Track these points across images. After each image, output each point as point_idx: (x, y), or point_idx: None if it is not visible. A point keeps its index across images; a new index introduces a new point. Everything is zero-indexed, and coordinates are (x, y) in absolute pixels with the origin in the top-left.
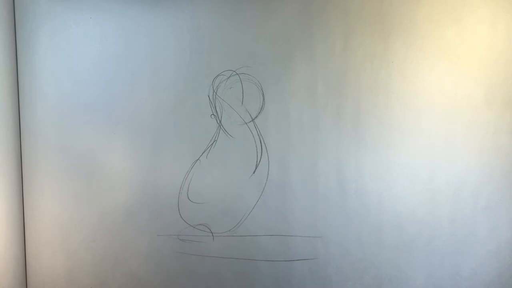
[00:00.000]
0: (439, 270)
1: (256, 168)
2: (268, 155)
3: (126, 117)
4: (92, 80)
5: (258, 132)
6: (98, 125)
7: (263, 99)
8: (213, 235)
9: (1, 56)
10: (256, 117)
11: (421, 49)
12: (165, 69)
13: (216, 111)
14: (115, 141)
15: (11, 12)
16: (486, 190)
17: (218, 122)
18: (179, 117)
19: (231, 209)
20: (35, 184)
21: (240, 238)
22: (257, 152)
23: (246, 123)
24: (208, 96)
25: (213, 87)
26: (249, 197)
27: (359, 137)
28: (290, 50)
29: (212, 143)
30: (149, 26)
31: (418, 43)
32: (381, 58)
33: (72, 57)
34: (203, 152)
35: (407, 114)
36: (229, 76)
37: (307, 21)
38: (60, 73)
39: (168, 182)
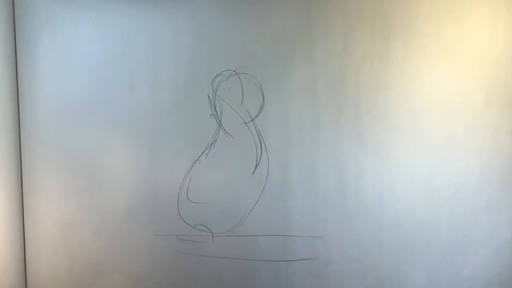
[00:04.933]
0: (439, 270)
1: (256, 168)
2: (268, 155)
3: (126, 117)
4: (92, 80)
5: (258, 132)
6: (98, 125)
7: (263, 99)
8: (213, 235)
9: (1, 56)
10: (256, 117)
11: (421, 49)
12: (165, 69)
13: (216, 111)
14: (115, 141)
15: (11, 12)
16: (486, 190)
17: (218, 122)
18: (179, 117)
19: (231, 209)
20: (35, 184)
21: (240, 238)
22: (257, 152)
23: (246, 123)
24: (208, 96)
25: (212, 87)
26: (249, 197)
27: (359, 137)
28: (290, 50)
29: (212, 143)
30: (149, 26)
31: (418, 43)
32: (381, 58)
33: (72, 57)
34: (203, 152)
35: (407, 114)
36: (229, 76)
37: (307, 21)
38: (60, 73)
39: (168, 182)
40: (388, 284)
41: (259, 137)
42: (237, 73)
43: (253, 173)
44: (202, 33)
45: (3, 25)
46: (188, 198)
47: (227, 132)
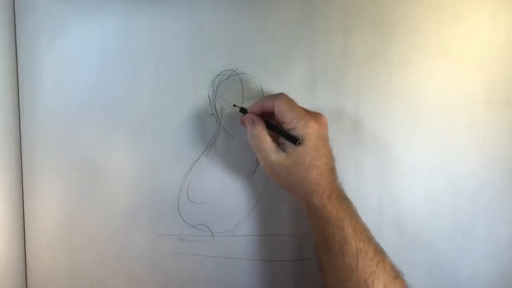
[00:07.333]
0: (439, 270)
1: (256, 168)
2: None
3: (126, 117)
4: (92, 80)
5: None
6: (98, 125)
7: None
8: (213, 235)
9: (1, 56)
10: None
11: (421, 48)
12: (165, 69)
13: (216, 111)
14: (115, 141)
15: (11, 12)
16: (487, 190)
17: (218, 122)
18: (179, 117)
19: (231, 209)
20: (35, 184)
21: (240, 238)
22: None
23: None
24: (208, 96)
25: (213, 87)
26: (249, 197)
27: (359, 137)
28: (290, 50)
29: (212, 143)
30: (149, 26)
31: (418, 43)
32: (381, 58)
33: (73, 57)
34: (203, 152)
35: (407, 114)
36: (229, 76)
37: (307, 21)
38: (60, 73)
39: (168, 182)
40: None
41: None
42: (237, 73)
43: (253, 173)
44: (202, 33)
45: (3, 25)
46: (189, 198)
47: (227, 132)
